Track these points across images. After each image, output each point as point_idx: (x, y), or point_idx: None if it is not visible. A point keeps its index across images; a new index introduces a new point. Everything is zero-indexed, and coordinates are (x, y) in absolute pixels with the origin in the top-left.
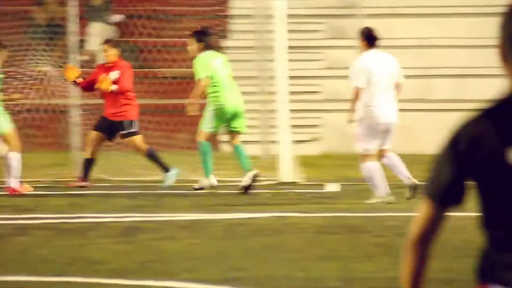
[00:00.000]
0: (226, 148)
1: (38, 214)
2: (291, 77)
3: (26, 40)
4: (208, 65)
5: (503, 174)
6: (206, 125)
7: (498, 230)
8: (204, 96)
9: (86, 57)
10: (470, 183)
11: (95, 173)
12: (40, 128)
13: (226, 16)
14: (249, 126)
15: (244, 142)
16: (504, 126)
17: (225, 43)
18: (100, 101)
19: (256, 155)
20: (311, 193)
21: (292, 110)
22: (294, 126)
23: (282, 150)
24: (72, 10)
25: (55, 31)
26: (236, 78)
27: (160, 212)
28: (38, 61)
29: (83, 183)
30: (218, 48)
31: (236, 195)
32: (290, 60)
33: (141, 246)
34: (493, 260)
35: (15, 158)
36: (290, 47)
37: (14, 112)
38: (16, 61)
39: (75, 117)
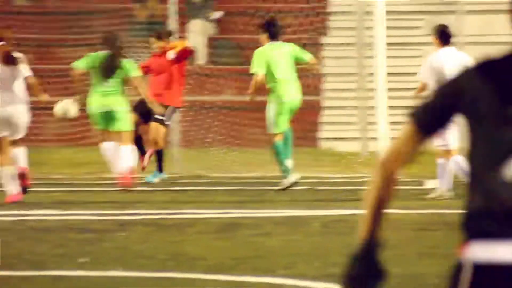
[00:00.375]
0: (325, 144)
1: (138, 210)
2: (390, 74)
3: (127, 38)
4: (264, 58)
5: (492, 126)
6: (271, 127)
7: (480, 182)
8: (263, 91)
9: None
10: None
11: (195, 169)
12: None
13: (325, 13)
14: (348, 123)
15: (343, 138)
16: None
17: (325, 40)
18: (199, 97)
19: (355, 152)
20: (410, 190)
21: (391, 107)
22: (393, 123)
23: (381, 146)
24: (173, 7)
25: (155, 28)
26: (335, 75)
27: (259, 208)
28: (138, 58)
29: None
30: (281, 39)
31: (334, 191)
32: (389, 57)
33: (239, 242)
34: (476, 214)
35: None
36: (389, 44)
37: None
38: None
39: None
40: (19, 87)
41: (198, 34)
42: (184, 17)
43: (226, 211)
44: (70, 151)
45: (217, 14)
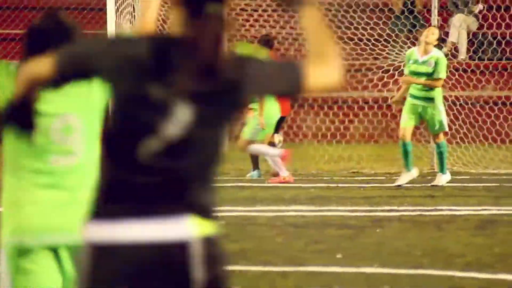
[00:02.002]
0: None
1: (395, 206)
2: None
3: (391, 32)
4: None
5: (131, 103)
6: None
7: (112, 161)
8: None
9: (448, 49)
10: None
11: (454, 165)
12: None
13: None
14: None
15: None
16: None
17: None
18: (461, 93)
19: None
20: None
21: None
22: None
23: None
24: (435, 1)
25: (415, 22)
26: None
27: None
28: (398, 53)
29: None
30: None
31: None
32: None
33: (498, 239)
34: (102, 193)
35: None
36: None
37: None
38: (375, 53)
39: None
40: None
41: (460, 29)
42: (446, 11)
43: (485, 208)
44: (329, 147)
45: (479, 8)
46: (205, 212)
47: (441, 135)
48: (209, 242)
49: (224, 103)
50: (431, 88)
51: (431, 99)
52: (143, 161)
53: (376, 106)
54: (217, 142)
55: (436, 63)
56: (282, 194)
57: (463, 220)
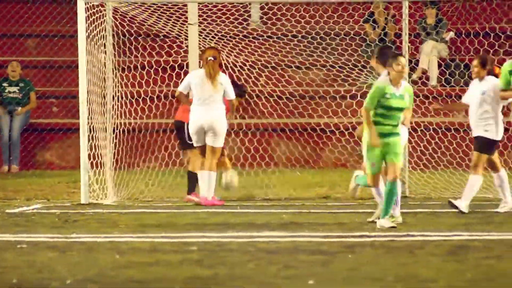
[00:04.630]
0: None
1: (367, 232)
2: None
3: (360, 58)
4: None
5: None
6: None
7: None
8: None
9: (418, 75)
10: None
11: (424, 190)
12: None
13: None
14: None
15: None
16: None
17: None
18: (428, 119)
19: None
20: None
21: None
22: None
23: None
24: (406, 29)
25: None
26: None
27: (489, 231)
28: (367, 76)
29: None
30: None
31: None
32: None
33: (470, 265)
34: None
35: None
36: None
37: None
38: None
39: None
40: (220, 103)
41: (430, 55)
42: (417, 38)
43: (456, 233)
44: (301, 173)
45: (449, 35)
46: None
47: None
48: None
49: None
50: None
51: None
52: None
53: (347, 133)
54: None
55: None
56: (254, 220)
57: (434, 246)
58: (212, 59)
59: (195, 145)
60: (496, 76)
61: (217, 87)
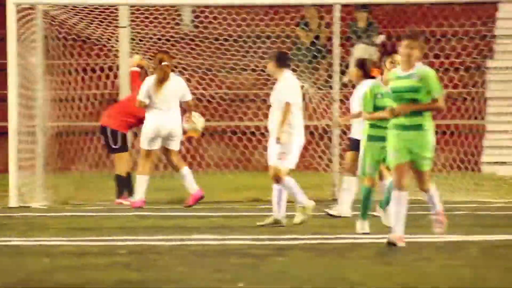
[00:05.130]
0: (487, 169)
1: (296, 235)
2: None
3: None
4: None
5: None
6: None
7: None
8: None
9: (349, 78)
10: None
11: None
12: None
13: (491, 37)
14: (511, 147)
15: (506, 163)
16: None
17: (490, 63)
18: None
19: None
20: None
21: None
22: None
23: None
24: (337, 32)
25: (316, 53)
26: (499, 98)
27: (418, 233)
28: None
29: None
30: None
31: (495, 216)
32: None
33: (399, 267)
34: None
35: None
36: None
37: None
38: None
39: (336, 138)
40: (176, 106)
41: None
42: (348, 41)
43: (385, 236)
44: (231, 175)
45: (381, 38)
46: None
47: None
48: None
49: None
50: None
51: None
52: None
53: None
54: None
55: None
56: (184, 223)
57: (364, 248)
58: (167, 63)
59: (148, 148)
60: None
61: (170, 91)
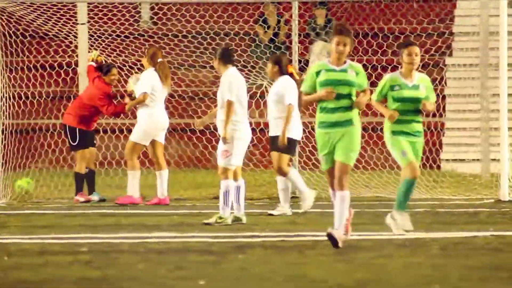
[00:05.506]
0: (446, 166)
1: (257, 232)
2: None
3: (250, 59)
4: None
5: None
6: None
7: None
8: None
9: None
10: None
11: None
12: (263, 147)
13: (449, 34)
14: (469, 144)
15: (465, 160)
16: None
17: (448, 60)
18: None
19: (477, 173)
20: None
21: (510, 128)
22: None
23: (503, 168)
24: (295, 29)
25: (275, 50)
26: (457, 96)
27: (378, 230)
28: (256, 79)
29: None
30: None
31: (455, 213)
32: (510, 78)
33: (360, 265)
34: None
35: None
36: (510, 65)
37: None
38: None
39: None
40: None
41: (319, 55)
42: (306, 38)
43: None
44: (191, 173)
45: None
46: None
47: None
48: None
49: None
50: None
51: None
52: None
53: None
54: None
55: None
56: (145, 221)
57: (324, 246)
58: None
59: (144, 143)
60: (291, 75)
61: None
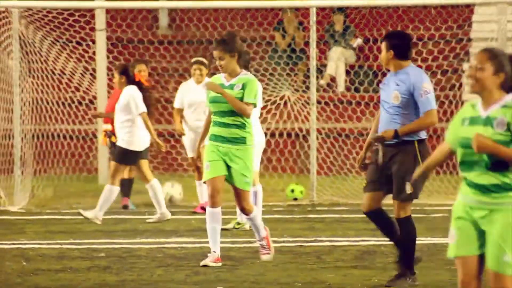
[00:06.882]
0: None
1: (276, 238)
2: None
3: (268, 65)
4: None
5: None
6: None
7: None
8: None
9: (326, 81)
10: None
11: (331, 196)
12: (281, 152)
13: (467, 40)
14: None
15: None
16: None
17: (466, 66)
18: (337, 124)
19: None
20: None
21: None
22: None
23: None
24: (313, 35)
25: (295, 55)
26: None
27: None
28: (275, 85)
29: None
30: None
31: None
32: None
33: (377, 270)
34: None
35: None
36: None
37: None
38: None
39: (313, 141)
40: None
41: (338, 62)
42: (325, 45)
43: (363, 239)
44: None
45: (357, 42)
46: None
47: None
48: None
49: None
50: None
51: None
52: None
53: None
54: None
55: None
56: (162, 226)
57: (342, 251)
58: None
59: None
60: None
61: None
